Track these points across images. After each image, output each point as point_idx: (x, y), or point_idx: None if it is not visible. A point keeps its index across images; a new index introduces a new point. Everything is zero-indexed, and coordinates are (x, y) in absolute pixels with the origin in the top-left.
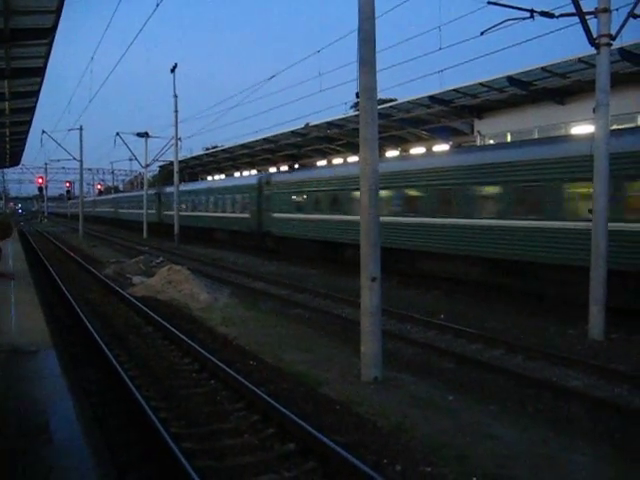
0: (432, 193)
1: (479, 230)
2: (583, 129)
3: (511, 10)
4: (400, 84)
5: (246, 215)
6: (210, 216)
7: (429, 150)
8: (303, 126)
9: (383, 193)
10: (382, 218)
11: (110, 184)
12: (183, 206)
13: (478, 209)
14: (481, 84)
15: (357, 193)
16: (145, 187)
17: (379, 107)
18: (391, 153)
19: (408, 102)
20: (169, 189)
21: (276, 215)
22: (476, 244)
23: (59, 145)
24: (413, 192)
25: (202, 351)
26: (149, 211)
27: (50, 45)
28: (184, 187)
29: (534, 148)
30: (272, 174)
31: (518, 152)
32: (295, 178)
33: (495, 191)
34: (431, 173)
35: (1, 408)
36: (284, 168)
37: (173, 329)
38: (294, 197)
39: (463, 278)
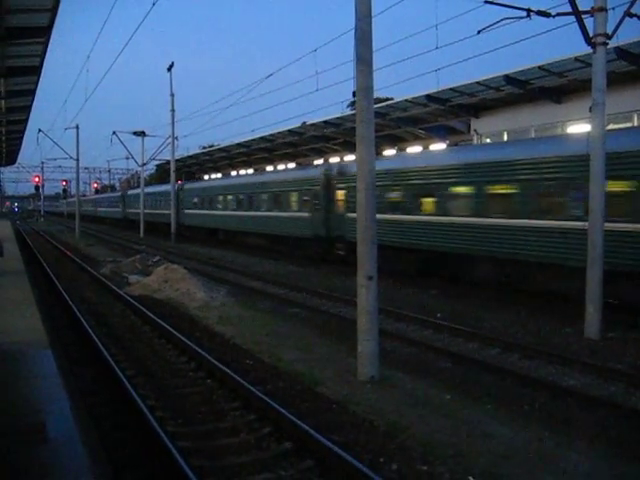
0: (247, 196)
1: (260, 218)
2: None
3: (508, 9)
4: (397, 83)
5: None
6: (151, 212)
7: (248, 172)
8: (300, 125)
9: (230, 197)
10: (229, 212)
11: (107, 183)
12: (136, 204)
13: (261, 206)
14: (478, 83)
15: (220, 197)
16: (142, 185)
17: (376, 106)
18: (388, 152)
19: (405, 101)
20: (130, 192)
21: (186, 211)
22: (260, 226)
23: (55, 144)
24: (240, 196)
25: (199, 350)
26: (116, 209)
27: (46, 44)
28: (135, 191)
29: (284, 173)
30: (184, 182)
31: (278, 175)
32: (193, 186)
33: (266, 197)
34: (249, 184)
35: None
36: (211, 176)
37: (170, 328)
38: (193, 199)
39: (257, 245)
